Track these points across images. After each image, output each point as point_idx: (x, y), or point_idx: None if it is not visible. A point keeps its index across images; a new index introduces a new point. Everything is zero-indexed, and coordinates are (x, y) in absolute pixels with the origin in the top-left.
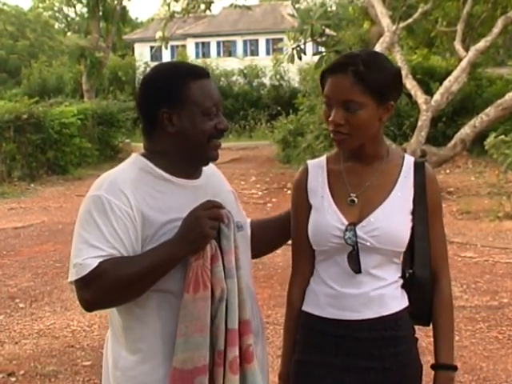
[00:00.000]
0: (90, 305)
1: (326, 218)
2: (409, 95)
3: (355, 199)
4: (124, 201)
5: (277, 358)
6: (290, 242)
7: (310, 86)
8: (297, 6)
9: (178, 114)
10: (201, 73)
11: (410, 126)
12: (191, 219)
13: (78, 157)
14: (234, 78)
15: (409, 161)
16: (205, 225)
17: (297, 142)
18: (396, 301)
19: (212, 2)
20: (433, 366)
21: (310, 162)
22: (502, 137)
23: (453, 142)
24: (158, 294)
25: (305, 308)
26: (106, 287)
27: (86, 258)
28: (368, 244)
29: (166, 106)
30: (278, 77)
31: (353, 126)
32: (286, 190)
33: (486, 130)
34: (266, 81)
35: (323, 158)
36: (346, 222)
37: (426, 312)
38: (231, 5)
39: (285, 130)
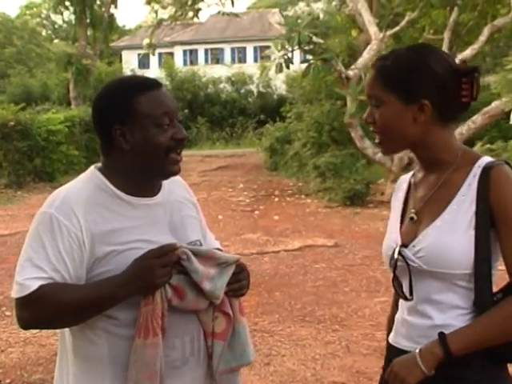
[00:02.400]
0: (26, 324)
1: (387, 237)
2: None
3: (414, 216)
4: (74, 222)
5: (264, 366)
6: (278, 249)
7: (298, 94)
8: (284, 13)
9: (130, 130)
10: (149, 84)
11: None
12: (143, 266)
13: (65, 164)
14: (221, 86)
15: (479, 165)
16: (156, 276)
17: (284, 150)
18: None
19: (200, 10)
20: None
21: (401, 177)
22: (489, 145)
23: None
24: (105, 317)
25: (389, 336)
26: (43, 311)
27: (26, 278)
28: (416, 266)
29: (118, 122)
30: (265, 84)
31: (379, 124)
32: (273, 197)
33: (473, 137)
34: (254, 88)
35: (413, 171)
36: (400, 242)
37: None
38: (219, 12)
39: (272, 138)
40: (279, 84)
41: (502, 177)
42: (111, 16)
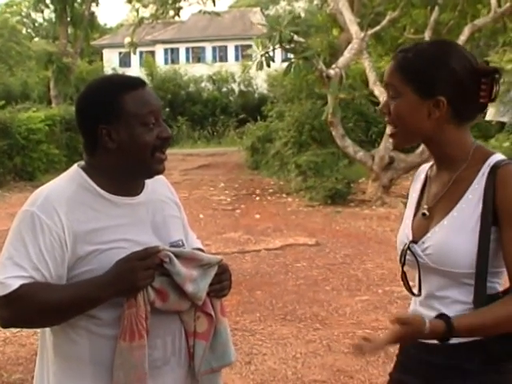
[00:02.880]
0: (5, 323)
1: (401, 231)
2: (377, 102)
3: (426, 212)
4: (56, 221)
5: (245, 365)
6: (259, 248)
7: (279, 93)
8: (266, 12)
9: (116, 129)
10: (134, 83)
11: (378, 133)
12: (125, 268)
13: (45, 163)
14: (202, 84)
15: (489, 164)
16: (138, 278)
17: (265, 149)
18: None
19: (181, 8)
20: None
21: (421, 167)
22: None
23: (420, 148)
24: (87, 316)
25: None
26: (23, 310)
27: (7, 277)
28: (424, 263)
29: (104, 122)
30: (246, 83)
31: (394, 116)
32: (254, 196)
33: None
34: (235, 87)
35: (432, 162)
36: (410, 238)
37: (497, 343)
38: (200, 11)
39: (253, 137)
40: (260, 83)
41: (508, 176)
42: (92, 14)
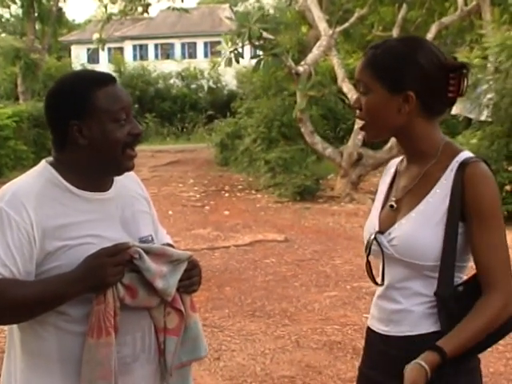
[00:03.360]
0: None
1: (368, 222)
2: (345, 99)
3: (394, 204)
4: (24, 216)
5: (214, 361)
6: (228, 244)
7: (248, 89)
8: (235, 9)
9: (87, 125)
10: (106, 79)
11: (346, 130)
12: (95, 264)
13: (13, 159)
14: (171, 81)
15: (457, 160)
16: (108, 274)
17: (235, 145)
18: (428, 320)
19: (149, 5)
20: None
21: (391, 161)
22: None
23: (388, 144)
24: (55, 313)
25: None
26: None
27: None
28: (389, 253)
29: (75, 117)
30: (215, 80)
31: (365, 110)
32: (223, 192)
33: None
34: (204, 83)
35: (402, 156)
36: (377, 228)
37: None
38: (169, 7)
39: (223, 133)
40: (230, 79)
41: (476, 174)
42: (60, 10)
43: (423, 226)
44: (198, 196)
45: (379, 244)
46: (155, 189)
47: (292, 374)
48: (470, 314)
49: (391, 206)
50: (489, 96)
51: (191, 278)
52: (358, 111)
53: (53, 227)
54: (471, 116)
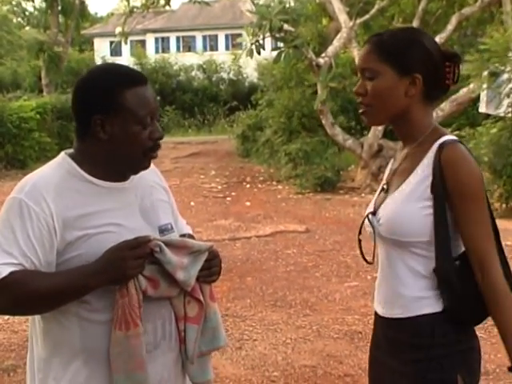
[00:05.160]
0: None
1: (369, 205)
2: None
3: (384, 186)
4: (44, 207)
5: (236, 350)
6: (250, 235)
7: (269, 81)
8: (255, 1)
9: (111, 122)
10: (138, 79)
11: None
12: (115, 257)
13: (37, 151)
14: (193, 73)
15: (438, 143)
16: (128, 267)
17: (256, 137)
18: (419, 303)
19: None
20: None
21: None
22: (458, 132)
23: None
24: (77, 302)
25: None
26: (12, 298)
27: None
28: (378, 232)
29: (100, 112)
30: (236, 72)
31: (371, 95)
32: (245, 183)
33: (441, 124)
34: (225, 76)
35: None
36: (371, 210)
37: (464, 309)
38: (190, 0)
39: (244, 125)
40: (250, 72)
41: (450, 156)
42: (83, 3)
43: (404, 203)
44: (219, 187)
45: (371, 224)
46: (177, 180)
47: (313, 364)
48: (492, 313)
49: (382, 189)
50: (510, 86)
51: (211, 268)
52: (360, 98)
53: (73, 217)
54: (490, 112)
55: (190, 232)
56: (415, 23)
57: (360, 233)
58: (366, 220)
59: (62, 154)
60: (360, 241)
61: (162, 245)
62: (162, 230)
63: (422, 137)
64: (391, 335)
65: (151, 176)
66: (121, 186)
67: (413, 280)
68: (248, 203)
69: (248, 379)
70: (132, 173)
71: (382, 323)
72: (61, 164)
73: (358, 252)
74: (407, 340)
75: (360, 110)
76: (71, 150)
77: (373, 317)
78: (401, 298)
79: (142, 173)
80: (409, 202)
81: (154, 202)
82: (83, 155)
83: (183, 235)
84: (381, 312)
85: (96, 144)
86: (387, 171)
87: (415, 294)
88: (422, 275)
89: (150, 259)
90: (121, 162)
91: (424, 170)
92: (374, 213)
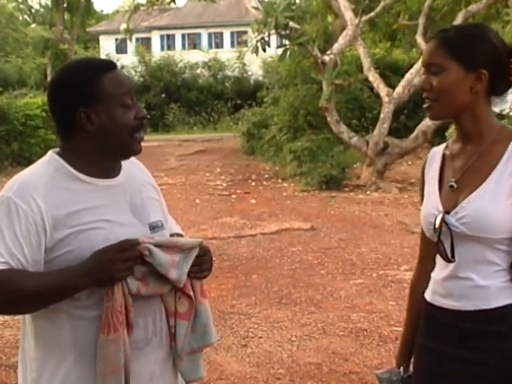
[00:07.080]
0: None
1: (428, 204)
2: (371, 88)
3: (454, 184)
4: (32, 206)
5: (241, 348)
6: (255, 232)
7: (274, 79)
8: None
9: (95, 112)
10: (108, 65)
11: (372, 119)
12: (103, 259)
13: (43, 148)
14: (198, 71)
15: None
16: (116, 269)
17: (261, 134)
18: (503, 293)
19: None
20: None
21: (432, 149)
22: None
23: (414, 133)
24: (67, 299)
25: (425, 294)
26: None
27: None
28: (459, 231)
29: (83, 105)
30: (241, 70)
31: (436, 90)
32: (250, 181)
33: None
34: (230, 73)
35: (446, 143)
36: (441, 209)
37: None
38: None
39: (249, 122)
40: (255, 69)
41: None
42: (88, 1)
43: (492, 201)
44: (224, 185)
45: (447, 224)
46: (182, 177)
47: (318, 361)
48: None
49: (451, 187)
50: None
51: (202, 264)
52: (425, 93)
53: (63, 215)
54: (495, 109)
55: (180, 231)
56: (421, 20)
57: (440, 233)
58: (438, 219)
59: (50, 152)
60: (442, 241)
61: (152, 247)
62: (153, 227)
63: (493, 134)
64: (468, 326)
65: (140, 174)
66: (110, 182)
67: (494, 273)
68: (253, 201)
69: (253, 376)
70: (123, 158)
71: (453, 316)
72: (49, 162)
73: (438, 253)
74: (495, 329)
75: (424, 105)
76: (58, 149)
77: (378, 314)
78: (484, 290)
79: (131, 170)
80: (496, 200)
81: (144, 199)
82: (71, 153)
83: (172, 235)
84: (453, 306)
85: (84, 138)
86: (432, 172)
87: (498, 285)
88: (502, 268)
89: (140, 262)
90: (111, 150)
91: (507, 168)
92: (446, 211)
